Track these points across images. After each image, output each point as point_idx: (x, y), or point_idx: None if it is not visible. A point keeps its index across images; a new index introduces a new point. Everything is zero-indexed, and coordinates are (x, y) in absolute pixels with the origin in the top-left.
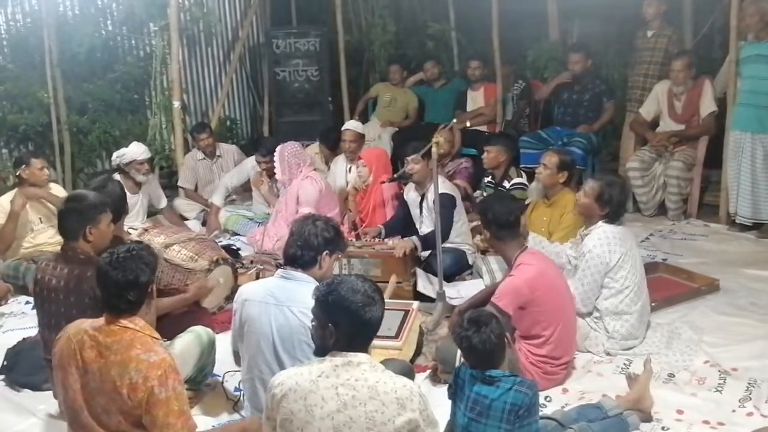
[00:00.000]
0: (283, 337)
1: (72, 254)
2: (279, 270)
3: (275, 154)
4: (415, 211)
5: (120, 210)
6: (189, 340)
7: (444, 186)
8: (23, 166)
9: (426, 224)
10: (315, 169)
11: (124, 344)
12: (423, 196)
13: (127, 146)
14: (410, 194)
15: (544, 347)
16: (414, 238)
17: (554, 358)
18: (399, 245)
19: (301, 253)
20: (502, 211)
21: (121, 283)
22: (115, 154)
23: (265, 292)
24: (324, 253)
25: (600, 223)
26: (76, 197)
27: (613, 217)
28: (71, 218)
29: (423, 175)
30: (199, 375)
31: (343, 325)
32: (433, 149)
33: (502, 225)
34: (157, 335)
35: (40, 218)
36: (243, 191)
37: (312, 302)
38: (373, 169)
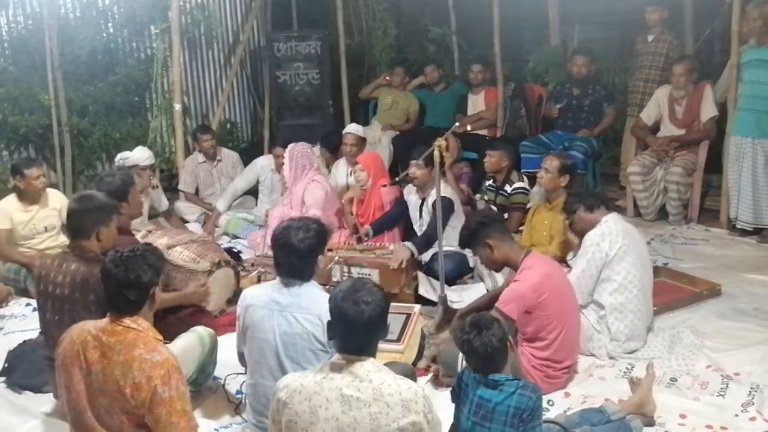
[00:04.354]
0: (286, 343)
1: (79, 252)
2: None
3: (285, 154)
4: (414, 214)
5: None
6: (190, 339)
7: (445, 191)
8: (18, 176)
9: (426, 227)
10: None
11: (127, 344)
12: (423, 200)
13: (129, 149)
14: (411, 197)
15: (547, 350)
16: (409, 244)
17: (556, 361)
18: (395, 256)
19: (293, 272)
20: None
21: (122, 282)
22: (119, 155)
23: (269, 298)
24: (315, 260)
25: (604, 218)
26: (88, 197)
27: (599, 201)
28: (84, 217)
29: (425, 179)
30: (200, 375)
31: (337, 328)
32: (435, 153)
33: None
34: (160, 336)
35: (45, 227)
36: (247, 195)
37: (316, 306)
38: (372, 172)
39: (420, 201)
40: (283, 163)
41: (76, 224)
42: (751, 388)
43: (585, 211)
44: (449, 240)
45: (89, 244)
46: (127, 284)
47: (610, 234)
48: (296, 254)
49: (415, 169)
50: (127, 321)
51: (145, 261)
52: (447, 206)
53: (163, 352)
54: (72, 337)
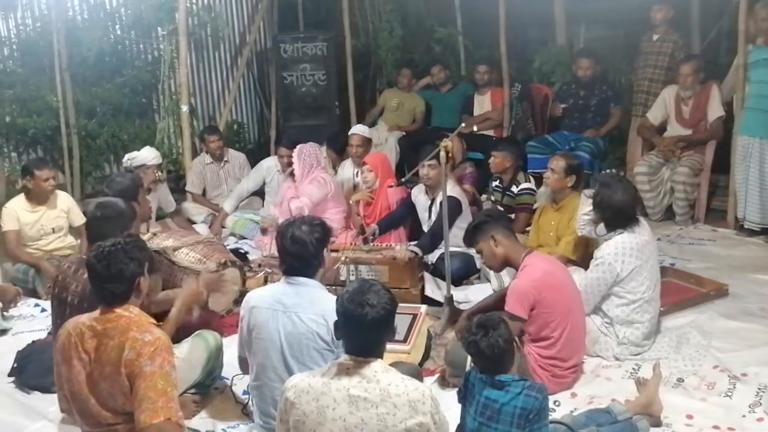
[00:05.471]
0: (291, 344)
1: None
2: (284, 276)
3: (294, 154)
4: (423, 215)
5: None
6: (196, 344)
7: (453, 191)
8: (28, 176)
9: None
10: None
11: (120, 329)
12: (433, 201)
13: (137, 151)
14: (420, 198)
15: (553, 348)
16: (412, 247)
17: (562, 360)
18: (398, 257)
19: (300, 265)
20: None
21: (104, 276)
22: (126, 156)
23: (273, 299)
24: (322, 253)
25: (619, 230)
26: (108, 205)
27: (609, 225)
28: (106, 225)
29: (437, 180)
30: (207, 379)
31: (344, 329)
32: (442, 153)
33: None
34: (153, 320)
35: (53, 228)
36: (253, 196)
37: (320, 306)
38: (379, 173)
39: (429, 202)
40: (287, 163)
41: (98, 232)
42: (759, 388)
43: (594, 208)
44: (456, 240)
45: None
46: (109, 278)
47: (623, 254)
48: (301, 244)
49: (428, 169)
50: (118, 310)
51: (127, 254)
52: (455, 206)
53: (155, 332)
54: (68, 330)
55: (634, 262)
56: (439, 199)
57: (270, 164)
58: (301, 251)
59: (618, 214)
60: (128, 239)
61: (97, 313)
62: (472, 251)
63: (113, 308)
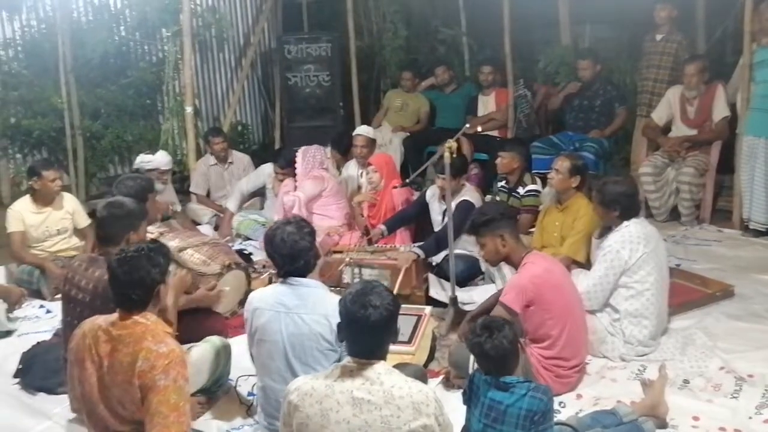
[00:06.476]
0: (294, 345)
1: (107, 259)
2: (281, 278)
3: (298, 154)
4: (437, 217)
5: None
6: (204, 350)
7: (472, 195)
8: (35, 177)
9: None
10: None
11: (135, 337)
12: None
13: (141, 152)
14: (434, 200)
15: (554, 348)
16: (415, 249)
17: (565, 359)
18: (401, 260)
19: (295, 265)
20: (497, 208)
21: (125, 282)
22: (139, 158)
23: (275, 300)
24: (314, 247)
25: (625, 222)
26: (117, 204)
27: (627, 215)
28: (115, 225)
29: (451, 189)
30: (214, 385)
31: (347, 331)
32: (446, 154)
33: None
34: (169, 329)
35: (58, 230)
36: (255, 197)
37: (322, 306)
38: (384, 174)
39: (444, 206)
40: (279, 180)
41: (106, 232)
42: (765, 389)
43: (606, 209)
44: (462, 243)
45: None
46: (130, 284)
47: (630, 242)
48: (291, 243)
49: (441, 181)
50: (136, 316)
51: (150, 261)
52: (470, 209)
53: (170, 344)
54: (84, 331)
55: (642, 249)
56: (454, 203)
57: (270, 170)
58: (293, 251)
59: (627, 199)
60: (153, 244)
61: (115, 316)
62: (476, 252)
63: (131, 313)
